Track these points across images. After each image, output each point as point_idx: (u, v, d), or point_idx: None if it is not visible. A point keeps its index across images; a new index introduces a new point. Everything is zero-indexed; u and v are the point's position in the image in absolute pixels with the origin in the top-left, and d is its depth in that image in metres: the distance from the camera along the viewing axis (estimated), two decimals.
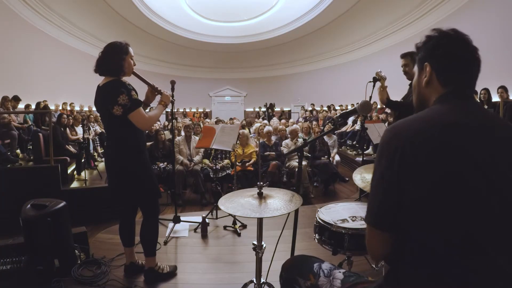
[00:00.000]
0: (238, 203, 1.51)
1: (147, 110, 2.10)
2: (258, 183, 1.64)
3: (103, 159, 6.06)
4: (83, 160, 5.71)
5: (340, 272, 1.09)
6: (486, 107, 5.33)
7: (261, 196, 1.58)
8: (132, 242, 2.21)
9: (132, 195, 2.05)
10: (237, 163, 4.50)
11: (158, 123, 6.88)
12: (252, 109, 16.94)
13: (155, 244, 2.17)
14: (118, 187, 2.04)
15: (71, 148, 5.64)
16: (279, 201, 1.52)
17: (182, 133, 5.23)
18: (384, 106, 2.11)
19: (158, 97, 2.17)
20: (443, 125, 0.79)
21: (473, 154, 0.76)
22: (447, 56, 0.87)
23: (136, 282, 2.14)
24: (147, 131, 5.75)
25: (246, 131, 5.29)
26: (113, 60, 1.88)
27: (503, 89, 5.64)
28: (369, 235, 0.86)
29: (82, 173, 5.38)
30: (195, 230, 3.08)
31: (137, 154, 1.98)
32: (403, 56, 2.58)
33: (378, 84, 2.69)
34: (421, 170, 0.76)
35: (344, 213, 1.74)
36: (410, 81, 2.28)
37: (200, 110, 16.64)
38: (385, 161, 0.81)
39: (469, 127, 0.79)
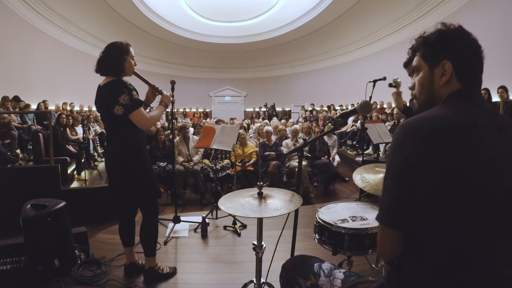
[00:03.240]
0: (238, 203, 1.51)
1: (147, 111, 2.10)
2: (258, 183, 1.63)
3: (103, 159, 6.07)
4: (83, 160, 5.72)
5: (340, 272, 1.09)
6: None
7: (261, 196, 1.57)
8: (132, 242, 2.21)
9: (132, 194, 2.04)
10: (237, 163, 4.50)
11: (159, 123, 6.89)
12: (252, 109, 16.94)
13: (155, 244, 2.17)
14: (118, 187, 2.04)
15: (71, 148, 5.65)
16: (279, 201, 1.51)
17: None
18: (401, 113, 1.96)
19: (158, 98, 2.18)
20: (460, 125, 0.77)
21: (488, 155, 0.75)
22: (468, 54, 0.85)
23: (136, 282, 2.14)
24: (147, 131, 5.76)
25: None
26: (114, 60, 1.88)
27: (503, 89, 5.64)
28: (382, 235, 0.83)
29: (82, 173, 5.39)
30: (195, 230, 3.08)
31: (137, 154, 1.98)
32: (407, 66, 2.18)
33: (378, 83, 2.68)
34: (435, 170, 0.74)
35: (344, 213, 1.74)
36: None
37: (200, 110, 16.65)
38: (400, 159, 0.79)
39: (484, 128, 0.78)
